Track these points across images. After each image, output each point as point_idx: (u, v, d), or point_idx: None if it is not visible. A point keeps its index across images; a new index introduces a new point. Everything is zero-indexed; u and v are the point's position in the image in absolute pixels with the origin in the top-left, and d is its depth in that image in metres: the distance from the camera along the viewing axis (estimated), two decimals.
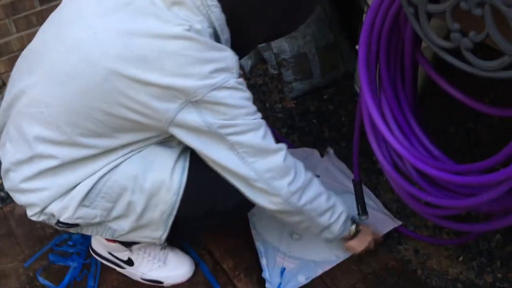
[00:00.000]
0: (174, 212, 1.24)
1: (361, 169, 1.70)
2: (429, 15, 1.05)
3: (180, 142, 1.21)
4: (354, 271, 1.50)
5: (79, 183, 1.19)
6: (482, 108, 1.22)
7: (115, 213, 1.23)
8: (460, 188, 1.24)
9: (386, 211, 1.63)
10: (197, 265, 1.54)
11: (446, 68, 1.16)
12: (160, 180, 1.20)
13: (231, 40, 1.17)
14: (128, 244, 1.44)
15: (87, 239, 1.57)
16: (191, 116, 1.10)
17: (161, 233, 1.28)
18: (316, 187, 1.28)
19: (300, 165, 1.26)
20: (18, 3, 1.95)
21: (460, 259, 1.51)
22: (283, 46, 2.02)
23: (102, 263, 1.54)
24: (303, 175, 1.25)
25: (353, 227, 1.41)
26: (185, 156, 1.25)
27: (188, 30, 1.06)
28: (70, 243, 1.61)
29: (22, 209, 1.35)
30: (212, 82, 1.07)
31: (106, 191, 1.20)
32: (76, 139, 1.14)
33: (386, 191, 1.70)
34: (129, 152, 1.20)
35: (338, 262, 1.51)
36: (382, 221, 1.57)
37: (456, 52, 1.02)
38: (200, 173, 1.22)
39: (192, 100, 1.08)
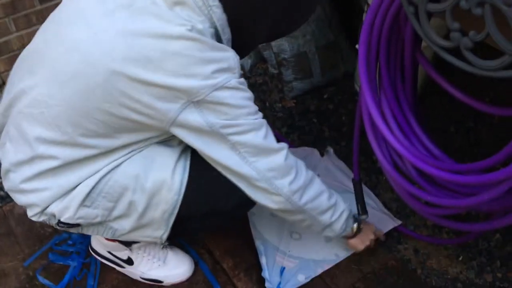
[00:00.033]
0: (176, 212, 1.24)
1: (361, 169, 1.70)
2: (429, 15, 1.05)
3: (180, 142, 1.21)
4: (354, 270, 1.50)
5: (80, 183, 1.19)
6: (482, 107, 1.22)
7: (116, 212, 1.23)
8: (460, 187, 1.24)
9: (386, 210, 1.63)
10: (196, 264, 1.54)
11: (446, 67, 1.16)
12: (161, 179, 1.20)
13: (232, 40, 1.17)
14: (128, 243, 1.44)
15: (86, 238, 1.57)
16: (193, 116, 1.10)
17: (162, 232, 1.28)
18: (317, 185, 1.28)
19: (301, 164, 1.26)
20: (18, 2, 1.95)
21: (460, 258, 1.51)
22: (283, 45, 2.01)
23: (101, 262, 1.54)
24: (304, 174, 1.25)
25: (355, 225, 1.41)
26: (186, 156, 1.25)
27: (190, 30, 1.06)
28: (69, 242, 1.61)
29: (22, 208, 1.35)
30: (214, 82, 1.08)
31: (107, 191, 1.20)
32: (77, 139, 1.14)
33: (386, 191, 1.70)
34: (130, 152, 1.20)
35: (337, 261, 1.51)
36: (382, 221, 1.57)
37: (456, 52, 1.02)
38: (201, 173, 1.22)
39: (194, 100, 1.08)
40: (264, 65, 2.22)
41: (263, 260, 1.50)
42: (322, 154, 1.82)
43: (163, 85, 1.06)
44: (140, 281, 1.51)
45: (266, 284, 1.46)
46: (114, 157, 1.19)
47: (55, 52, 1.13)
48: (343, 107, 2.02)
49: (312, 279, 1.48)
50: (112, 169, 1.19)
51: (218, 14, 1.11)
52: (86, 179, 1.19)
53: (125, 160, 1.20)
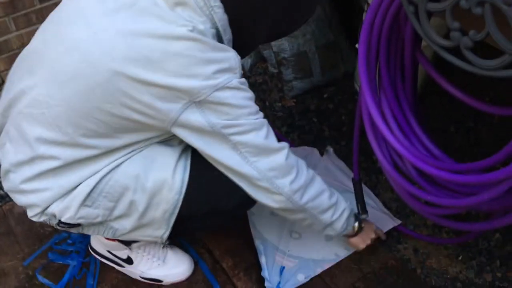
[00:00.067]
0: (176, 211, 1.24)
1: (360, 168, 1.70)
2: (429, 14, 1.05)
3: (181, 141, 1.21)
4: (354, 270, 1.50)
5: (80, 183, 1.19)
6: (482, 107, 1.22)
7: (117, 212, 1.23)
8: (460, 187, 1.24)
9: (385, 210, 1.63)
10: (196, 263, 1.54)
11: (446, 67, 1.16)
12: (162, 179, 1.20)
13: (232, 40, 1.17)
14: (127, 243, 1.44)
15: (86, 237, 1.57)
16: (195, 117, 1.10)
17: (163, 231, 1.28)
18: (318, 185, 1.29)
19: (302, 163, 1.27)
20: (18, 1, 1.95)
21: (460, 258, 1.51)
22: (283, 44, 2.01)
23: (101, 262, 1.54)
24: (305, 173, 1.25)
25: (356, 224, 1.41)
26: (186, 155, 1.25)
27: (192, 31, 1.06)
28: (69, 241, 1.61)
29: (22, 207, 1.35)
30: (215, 83, 1.08)
31: (108, 191, 1.20)
32: (78, 139, 1.14)
33: (385, 190, 1.70)
34: (130, 152, 1.20)
35: (337, 261, 1.51)
36: (382, 220, 1.57)
37: (456, 51, 1.01)
38: (202, 172, 1.22)
39: (196, 100, 1.09)
40: (264, 65, 2.22)
41: (262, 260, 1.50)
42: (322, 154, 1.82)
43: (163, 85, 1.06)
44: (139, 281, 1.51)
45: (266, 284, 1.45)
46: (114, 157, 1.19)
47: (54, 52, 1.13)
48: (343, 106, 2.02)
49: (312, 279, 1.48)
50: (113, 169, 1.19)
51: (220, 15, 1.11)
52: (87, 179, 1.18)
53: (125, 160, 1.20)
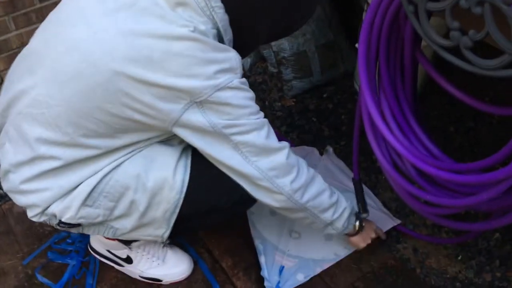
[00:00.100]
0: (177, 210, 1.24)
1: (360, 168, 1.70)
2: (429, 14, 1.04)
3: (181, 141, 1.21)
4: (353, 269, 1.50)
5: (81, 183, 1.19)
6: (482, 107, 1.22)
7: (117, 212, 1.23)
8: (459, 187, 1.24)
9: (385, 210, 1.63)
10: (196, 263, 1.54)
11: (446, 66, 1.16)
12: (162, 178, 1.20)
13: (233, 40, 1.17)
14: (127, 242, 1.44)
15: (85, 237, 1.57)
16: (196, 117, 1.11)
17: (164, 231, 1.28)
18: (319, 184, 1.29)
19: (302, 163, 1.27)
20: (18, 0, 1.94)
21: (459, 258, 1.51)
22: (282, 44, 2.01)
23: (100, 261, 1.54)
24: (306, 173, 1.25)
25: (357, 223, 1.41)
26: (186, 155, 1.25)
27: (193, 31, 1.06)
28: (68, 241, 1.61)
29: (21, 207, 1.35)
30: (216, 83, 1.08)
31: (108, 190, 1.19)
32: (78, 140, 1.14)
33: (385, 190, 1.70)
34: (130, 152, 1.20)
35: (337, 260, 1.51)
36: (381, 220, 1.57)
37: (456, 51, 1.01)
38: (202, 171, 1.23)
39: (197, 100, 1.09)
40: (264, 64, 2.22)
41: (262, 259, 1.50)
42: (321, 153, 1.82)
43: (164, 85, 1.06)
44: (139, 280, 1.51)
45: (265, 283, 1.45)
46: (115, 157, 1.19)
47: (54, 52, 1.13)
48: (342, 106, 2.02)
49: (311, 278, 1.48)
50: (113, 168, 1.19)
51: (221, 15, 1.11)
52: (87, 179, 1.18)
53: (126, 160, 1.20)
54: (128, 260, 1.48)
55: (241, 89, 1.12)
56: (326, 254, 1.52)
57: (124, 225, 1.26)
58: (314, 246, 1.54)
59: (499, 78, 0.96)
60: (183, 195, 1.22)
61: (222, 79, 1.08)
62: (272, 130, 1.20)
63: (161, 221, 1.25)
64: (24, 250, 1.60)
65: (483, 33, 0.93)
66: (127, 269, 1.51)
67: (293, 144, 1.86)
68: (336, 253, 1.52)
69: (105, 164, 1.18)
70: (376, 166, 1.75)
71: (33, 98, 1.15)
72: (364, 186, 1.62)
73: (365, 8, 1.68)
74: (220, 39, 1.14)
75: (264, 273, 1.47)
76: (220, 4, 1.10)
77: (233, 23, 1.14)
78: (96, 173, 1.18)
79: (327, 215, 1.32)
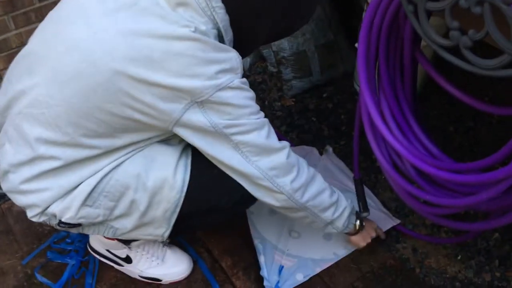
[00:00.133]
0: (177, 210, 1.24)
1: (360, 168, 1.69)
2: (429, 13, 1.04)
3: (181, 140, 1.21)
4: (353, 269, 1.50)
5: (81, 183, 1.18)
6: (481, 106, 1.22)
7: (117, 212, 1.23)
8: (459, 186, 1.24)
9: (384, 209, 1.63)
10: (195, 263, 1.54)
11: (446, 66, 1.16)
12: (163, 178, 1.20)
13: (233, 40, 1.17)
14: (127, 242, 1.44)
15: (85, 236, 1.57)
16: (197, 117, 1.11)
17: (164, 230, 1.28)
18: (319, 183, 1.29)
19: (303, 162, 1.27)
20: (17, 0, 1.94)
21: (459, 257, 1.51)
22: (282, 44, 2.01)
23: (100, 261, 1.54)
24: (306, 172, 1.26)
25: (357, 222, 1.42)
26: (186, 154, 1.25)
27: (194, 31, 1.06)
28: (68, 240, 1.61)
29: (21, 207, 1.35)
30: (217, 83, 1.08)
31: (109, 190, 1.19)
32: (78, 140, 1.14)
33: (385, 190, 1.70)
34: (131, 151, 1.20)
35: (336, 260, 1.51)
36: (381, 220, 1.57)
37: (455, 51, 1.01)
38: (203, 171, 1.23)
39: (198, 100, 1.09)
40: (263, 64, 2.22)
41: (261, 259, 1.50)
42: (321, 153, 1.82)
43: (165, 85, 1.06)
44: (138, 280, 1.51)
45: (265, 283, 1.45)
46: (115, 157, 1.19)
47: (55, 52, 1.13)
48: (342, 106, 2.02)
49: (311, 278, 1.48)
50: (113, 168, 1.19)
51: (221, 15, 1.11)
52: (87, 178, 1.18)
53: (126, 159, 1.20)
54: (128, 259, 1.48)
55: (242, 89, 1.13)
56: (326, 254, 1.52)
57: (124, 225, 1.26)
58: (313, 245, 1.54)
59: (499, 78, 0.96)
60: (183, 195, 1.22)
61: (223, 79, 1.09)
62: (272, 130, 1.21)
63: (162, 221, 1.25)
64: (24, 250, 1.60)
65: (483, 32, 0.93)
66: (126, 268, 1.51)
67: (293, 143, 1.86)
68: (335, 253, 1.52)
69: (105, 164, 1.18)
70: (375, 166, 1.75)
71: (33, 98, 1.14)
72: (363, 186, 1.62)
73: (365, 8, 1.68)
74: (221, 39, 1.14)
75: (264, 272, 1.47)
76: (221, 4, 1.10)
77: (233, 23, 1.14)
78: (96, 173, 1.18)
79: (328, 214, 1.32)
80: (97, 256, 1.53)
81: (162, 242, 1.48)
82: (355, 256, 1.52)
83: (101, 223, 1.25)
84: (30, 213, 1.23)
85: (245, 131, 1.14)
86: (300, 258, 1.52)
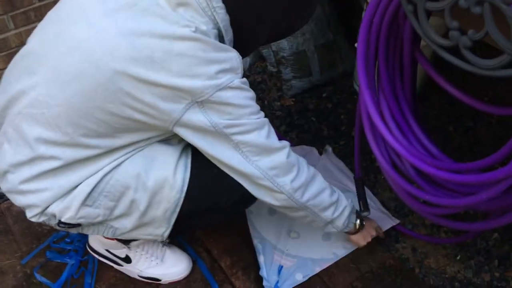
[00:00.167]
0: (178, 209, 1.24)
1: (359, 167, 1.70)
2: (428, 13, 1.04)
3: (181, 140, 1.21)
4: (352, 269, 1.50)
5: (80, 183, 1.18)
6: (481, 106, 1.22)
7: (117, 211, 1.23)
8: (458, 186, 1.24)
9: (384, 209, 1.63)
10: (194, 262, 1.54)
11: (445, 66, 1.15)
12: (163, 178, 1.20)
13: (233, 40, 1.17)
14: (126, 242, 1.44)
15: (84, 236, 1.57)
16: (197, 117, 1.11)
17: (164, 230, 1.28)
18: (319, 183, 1.29)
19: (303, 162, 1.27)
20: None
21: (458, 257, 1.51)
22: (282, 43, 2.01)
23: (99, 260, 1.54)
24: (306, 171, 1.26)
25: (358, 221, 1.42)
26: (186, 154, 1.25)
27: (194, 31, 1.06)
28: (67, 240, 1.61)
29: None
30: (218, 83, 1.08)
31: (109, 190, 1.19)
32: (78, 140, 1.14)
33: (384, 190, 1.70)
34: (131, 151, 1.20)
35: (335, 260, 1.51)
36: (380, 220, 1.57)
37: (455, 51, 1.01)
38: (203, 170, 1.23)
39: (198, 100, 1.09)
40: (263, 64, 2.22)
41: (261, 259, 1.50)
42: (320, 153, 1.82)
43: (166, 85, 1.06)
44: (137, 279, 1.51)
45: (264, 283, 1.45)
46: (115, 157, 1.18)
47: (56, 52, 1.13)
48: (341, 106, 2.02)
49: (310, 278, 1.48)
50: (113, 168, 1.19)
51: (222, 15, 1.11)
52: (87, 178, 1.18)
53: (126, 159, 1.19)
54: (127, 259, 1.48)
55: (242, 89, 1.13)
56: (325, 254, 1.52)
57: (124, 225, 1.26)
58: (312, 245, 1.54)
59: (498, 78, 0.96)
60: (183, 194, 1.22)
61: (224, 79, 1.09)
62: (272, 130, 1.21)
63: (162, 220, 1.25)
64: (23, 250, 1.60)
65: (483, 32, 0.93)
66: (126, 268, 1.51)
67: (292, 143, 1.86)
68: (334, 253, 1.52)
69: (105, 164, 1.18)
70: (375, 166, 1.75)
71: (33, 98, 1.14)
72: None
73: (365, 7, 1.68)
74: (221, 39, 1.14)
75: (263, 272, 1.47)
76: (221, 4, 1.10)
77: (234, 23, 1.14)
78: (96, 172, 1.18)
79: (328, 214, 1.32)
80: (96, 256, 1.53)
81: (162, 242, 1.48)
82: (355, 256, 1.52)
83: (100, 223, 1.25)
84: (29, 213, 1.23)
85: (245, 131, 1.15)
86: (299, 258, 1.52)
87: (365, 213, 1.50)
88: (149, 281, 1.50)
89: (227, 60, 1.10)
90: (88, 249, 1.54)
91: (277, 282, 1.45)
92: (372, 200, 1.65)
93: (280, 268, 1.49)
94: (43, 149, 1.15)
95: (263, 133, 1.17)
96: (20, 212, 1.67)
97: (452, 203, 1.22)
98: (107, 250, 1.49)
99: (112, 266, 1.52)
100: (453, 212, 1.35)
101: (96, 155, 1.17)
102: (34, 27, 1.22)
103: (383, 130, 1.28)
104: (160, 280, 1.49)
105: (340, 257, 1.52)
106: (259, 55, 2.21)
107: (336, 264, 1.51)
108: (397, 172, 1.32)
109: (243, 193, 1.24)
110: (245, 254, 1.55)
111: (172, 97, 1.08)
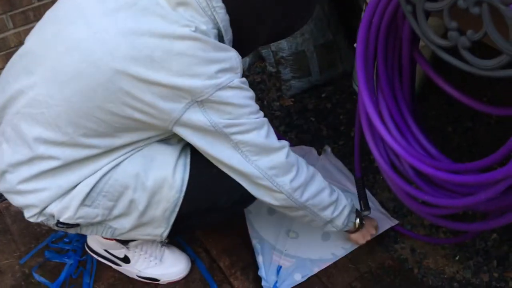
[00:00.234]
0: (177, 209, 1.24)
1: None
2: (427, 14, 1.04)
3: (180, 139, 1.21)
4: (351, 269, 1.50)
5: (79, 183, 1.18)
6: (480, 107, 1.22)
7: (116, 211, 1.23)
8: (457, 187, 1.24)
9: (383, 210, 1.63)
10: (193, 262, 1.54)
11: (444, 67, 1.16)
12: (162, 177, 1.20)
13: (233, 40, 1.17)
14: (124, 242, 1.44)
15: (83, 236, 1.57)
16: (197, 116, 1.11)
17: (163, 230, 1.28)
18: (318, 182, 1.30)
19: (302, 162, 1.28)
20: None
21: (457, 258, 1.51)
22: (281, 44, 2.01)
23: (98, 260, 1.54)
24: (305, 171, 1.26)
25: (357, 220, 1.42)
26: (186, 153, 1.25)
27: (194, 31, 1.06)
28: (66, 240, 1.61)
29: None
30: (217, 82, 1.08)
31: (107, 190, 1.19)
32: (77, 139, 1.14)
33: (383, 190, 1.70)
34: (130, 151, 1.20)
35: (334, 260, 1.51)
36: (379, 220, 1.57)
37: (454, 51, 1.01)
38: (202, 170, 1.23)
39: (198, 100, 1.09)
40: (262, 64, 2.22)
41: (259, 259, 1.50)
42: (319, 153, 1.82)
43: (166, 85, 1.06)
44: (136, 280, 1.51)
45: (263, 283, 1.45)
46: (114, 156, 1.18)
47: (54, 52, 1.13)
48: (341, 106, 2.02)
49: (309, 278, 1.48)
50: (112, 168, 1.19)
51: (222, 15, 1.11)
52: (86, 178, 1.18)
53: (125, 159, 1.19)
54: (126, 259, 1.48)
55: (241, 88, 1.13)
56: (324, 254, 1.52)
57: (123, 225, 1.26)
58: (311, 246, 1.54)
59: (497, 78, 0.96)
60: (182, 194, 1.22)
61: (223, 78, 1.09)
62: (272, 129, 1.21)
63: (161, 220, 1.25)
64: (21, 249, 1.60)
65: (481, 33, 0.93)
66: (124, 268, 1.51)
67: (292, 143, 1.86)
68: (333, 253, 1.52)
69: (104, 164, 1.18)
70: (374, 166, 1.75)
71: (32, 98, 1.14)
72: None
73: (364, 8, 1.68)
74: (221, 39, 1.14)
75: (262, 272, 1.47)
76: (221, 4, 1.10)
77: (234, 23, 1.15)
78: (95, 172, 1.18)
79: (327, 213, 1.33)
80: (95, 256, 1.53)
81: (161, 242, 1.48)
82: (353, 256, 1.52)
83: (99, 223, 1.25)
84: (27, 214, 1.23)
85: (245, 131, 1.15)
86: (298, 258, 1.52)
87: (365, 212, 1.50)
88: (148, 281, 1.50)
89: (226, 60, 1.10)
90: (87, 249, 1.54)
91: (276, 282, 1.45)
92: (371, 201, 1.65)
93: (279, 268, 1.49)
94: (43, 149, 1.15)
95: (262, 132, 1.17)
96: (18, 212, 1.67)
97: (451, 204, 1.22)
98: (105, 250, 1.49)
99: (110, 266, 1.52)
100: (452, 213, 1.35)
101: (95, 155, 1.16)
102: (33, 27, 1.22)
103: (381, 130, 1.28)
104: (158, 280, 1.49)
105: (339, 257, 1.52)
106: (259, 55, 2.21)
107: (335, 264, 1.51)
108: (396, 173, 1.32)
109: (242, 193, 1.24)
110: (244, 254, 1.55)
111: (172, 96, 1.08)
